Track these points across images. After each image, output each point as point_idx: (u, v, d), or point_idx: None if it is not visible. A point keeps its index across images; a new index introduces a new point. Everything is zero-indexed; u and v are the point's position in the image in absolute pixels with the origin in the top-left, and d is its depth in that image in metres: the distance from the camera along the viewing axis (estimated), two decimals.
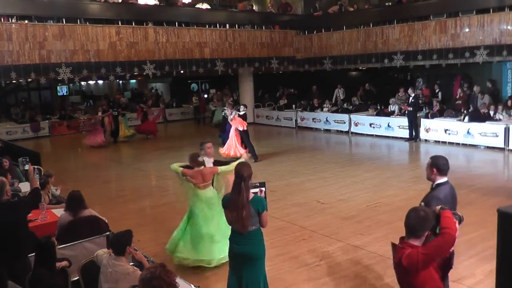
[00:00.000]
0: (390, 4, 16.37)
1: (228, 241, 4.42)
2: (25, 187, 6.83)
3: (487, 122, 12.80)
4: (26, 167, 4.97)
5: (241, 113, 12.28)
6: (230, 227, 4.37)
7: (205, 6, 17.59)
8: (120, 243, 3.94)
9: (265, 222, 4.34)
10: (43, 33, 12.97)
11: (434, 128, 13.89)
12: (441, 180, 4.01)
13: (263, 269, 4.40)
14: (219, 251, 5.53)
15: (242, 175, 4.18)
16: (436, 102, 15.17)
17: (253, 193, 4.28)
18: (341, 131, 16.55)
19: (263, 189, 4.37)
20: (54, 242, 4.03)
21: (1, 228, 4.26)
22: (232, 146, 11.95)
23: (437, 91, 16.10)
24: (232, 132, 12.10)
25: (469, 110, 13.65)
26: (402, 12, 15.53)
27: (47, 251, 3.94)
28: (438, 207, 2.95)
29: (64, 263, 4.23)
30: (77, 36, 13.52)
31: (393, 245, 3.08)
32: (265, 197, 4.43)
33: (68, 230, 5.00)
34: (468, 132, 12.99)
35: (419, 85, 17.19)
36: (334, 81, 19.07)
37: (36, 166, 7.94)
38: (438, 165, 3.97)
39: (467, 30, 13.68)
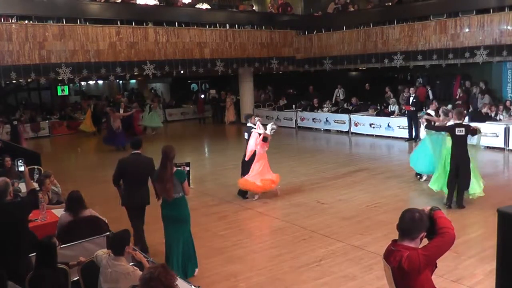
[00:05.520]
0: (390, 4, 16.37)
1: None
2: (25, 187, 6.82)
3: (487, 122, 12.79)
4: (21, 168, 4.97)
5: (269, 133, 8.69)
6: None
7: (205, 6, 17.60)
8: (118, 243, 3.94)
9: (187, 190, 5.34)
10: (43, 33, 12.97)
11: None
12: (135, 151, 6.12)
13: (186, 230, 5.43)
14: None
15: (168, 155, 5.15)
16: (435, 102, 15.14)
17: (177, 168, 5.29)
18: (341, 131, 16.54)
19: (188, 168, 5.43)
20: (56, 242, 4.03)
21: (4, 228, 4.26)
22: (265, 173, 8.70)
23: (428, 90, 16.02)
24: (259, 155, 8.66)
25: (469, 110, 13.65)
26: (402, 12, 15.54)
27: (48, 252, 3.94)
28: (428, 208, 2.92)
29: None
30: (77, 36, 13.52)
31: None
32: (188, 173, 5.51)
33: (68, 230, 4.99)
34: None
35: (419, 85, 17.18)
36: (334, 81, 19.08)
37: (36, 166, 7.97)
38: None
39: (467, 30, 13.68)
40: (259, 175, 8.50)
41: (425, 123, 8.19)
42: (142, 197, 6.12)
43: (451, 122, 7.78)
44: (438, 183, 7.86)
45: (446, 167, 7.68)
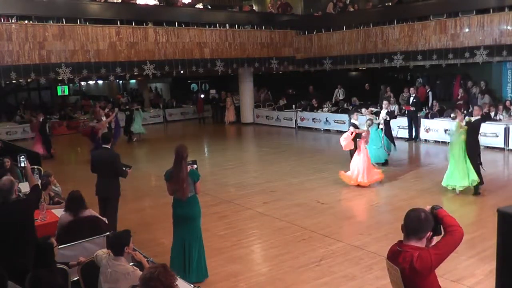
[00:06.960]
0: (390, 4, 16.37)
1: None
2: (25, 187, 6.82)
3: (487, 122, 12.77)
4: (23, 164, 4.95)
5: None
6: None
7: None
8: (117, 244, 3.94)
9: (199, 190, 5.38)
10: (43, 33, 12.96)
11: (434, 128, 13.89)
12: (105, 145, 6.68)
13: (199, 227, 5.44)
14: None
15: (182, 155, 5.15)
16: (435, 102, 15.15)
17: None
18: (341, 131, 16.49)
19: (195, 166, 5.41)
20: (53, 243, 4.02)
21: (11, 227, 4.25)
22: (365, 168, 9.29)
23: (428, 90, 16.02)
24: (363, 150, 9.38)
25: (469, 110, 13.63)
26: (402, 12, 15.54)
27: (45, 252, 3.93)
28: (429, 207, 2.91)
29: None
30: (77, 36, 13.51)
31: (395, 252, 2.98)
32: (196, 171, 5.48)
33: (68, 230, 4.99)
34: None
35: (419, 85, 17.18)
36: (334, 81, 19.08)
37: (36, 166, 7.95)
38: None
39: (467, 30, 13.68)
40: (360, 172, 9.19)
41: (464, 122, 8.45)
42: (106, 188, 6.54)
43: (477, 117, 8.43)
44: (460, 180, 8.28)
45: (455, 162, 8.27)
